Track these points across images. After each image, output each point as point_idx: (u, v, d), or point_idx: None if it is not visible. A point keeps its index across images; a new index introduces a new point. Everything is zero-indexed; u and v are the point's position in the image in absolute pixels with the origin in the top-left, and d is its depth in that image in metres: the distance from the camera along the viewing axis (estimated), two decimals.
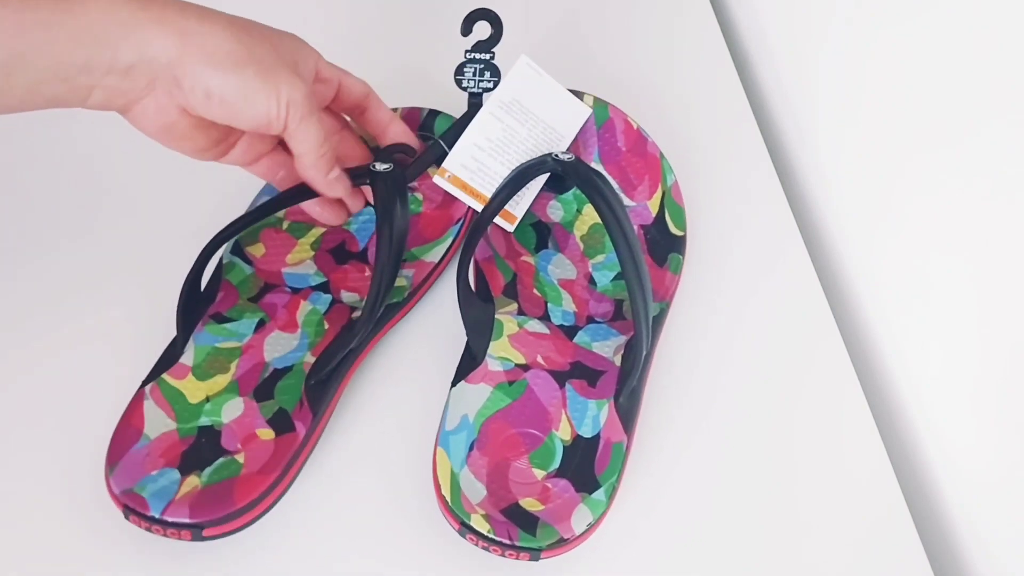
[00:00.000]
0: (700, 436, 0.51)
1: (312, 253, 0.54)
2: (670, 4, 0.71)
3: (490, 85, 0.57)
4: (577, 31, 0.69)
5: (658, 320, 0.52)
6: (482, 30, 0.55)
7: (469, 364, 0.49)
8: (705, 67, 0.68)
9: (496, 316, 0.51)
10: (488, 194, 0.52)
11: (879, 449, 0.51)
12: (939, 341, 0.50)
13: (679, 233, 0.55)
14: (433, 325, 0.54)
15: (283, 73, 0.43)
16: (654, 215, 0.56)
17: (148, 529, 0.42)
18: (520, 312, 0.51)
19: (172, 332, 0.49)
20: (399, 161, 0.51)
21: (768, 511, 0.49)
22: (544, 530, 0.44)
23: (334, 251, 0.54)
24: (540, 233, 0.55)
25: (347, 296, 0.52)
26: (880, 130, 0.54)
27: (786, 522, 0.48)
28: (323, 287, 0.52)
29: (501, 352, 0.49)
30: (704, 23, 0.70)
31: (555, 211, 0.56)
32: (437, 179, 0.52)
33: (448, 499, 0.44)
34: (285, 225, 0.54)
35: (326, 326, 0.50)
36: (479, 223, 0.50)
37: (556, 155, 0.52)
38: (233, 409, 0.47)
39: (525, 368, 0.49)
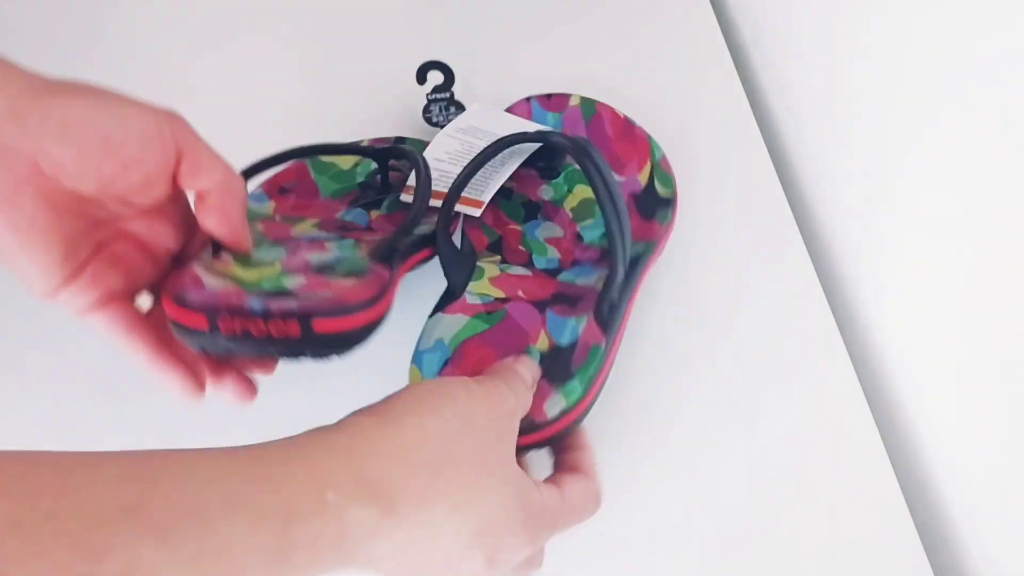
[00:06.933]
0: (700, 426, 0.50)
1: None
2: (669, 3, 0.72)
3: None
4: (576, 31, 0.71)
5: (644, 256, 0.50)
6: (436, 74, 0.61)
7: (447, 300, 0.48)
8: (704, 66, 0.69)
9: (478, 263, 0.51)
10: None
11: (877, 443, 0.50)
12: (938, 337, 0.49)
13: (668, 195, 0.55)
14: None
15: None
16: (644, 184, 0.56)
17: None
18: (504, 261, 0.51)
19: None
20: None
21: (766, 508, 0.48)
22: None
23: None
24: (529, 209, 0.56)
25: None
26: (879, 124, 0.54)
27: (785, 519, 0.47)
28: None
29: (481, 290, 0.49)
30: (704, 23, 0.71)
31: (545, 192, 0.57)
32: (404, 196, 0.53)
33: None
34: (277, 219, 0.54)
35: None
36: (455, 186, 0.50)
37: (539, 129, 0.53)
38: (295, 281, 0.40)
39: (505, 300, 0.48)
